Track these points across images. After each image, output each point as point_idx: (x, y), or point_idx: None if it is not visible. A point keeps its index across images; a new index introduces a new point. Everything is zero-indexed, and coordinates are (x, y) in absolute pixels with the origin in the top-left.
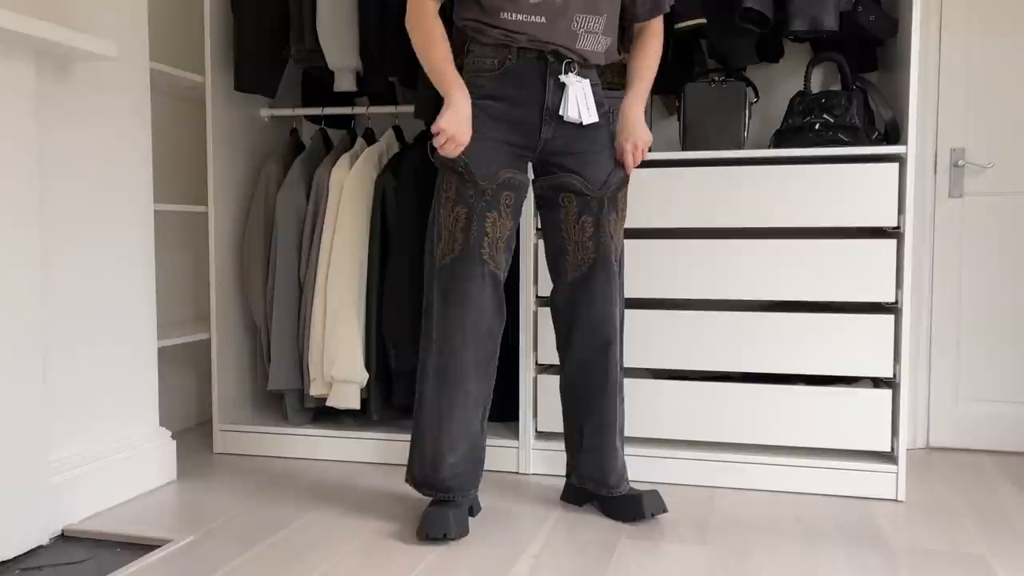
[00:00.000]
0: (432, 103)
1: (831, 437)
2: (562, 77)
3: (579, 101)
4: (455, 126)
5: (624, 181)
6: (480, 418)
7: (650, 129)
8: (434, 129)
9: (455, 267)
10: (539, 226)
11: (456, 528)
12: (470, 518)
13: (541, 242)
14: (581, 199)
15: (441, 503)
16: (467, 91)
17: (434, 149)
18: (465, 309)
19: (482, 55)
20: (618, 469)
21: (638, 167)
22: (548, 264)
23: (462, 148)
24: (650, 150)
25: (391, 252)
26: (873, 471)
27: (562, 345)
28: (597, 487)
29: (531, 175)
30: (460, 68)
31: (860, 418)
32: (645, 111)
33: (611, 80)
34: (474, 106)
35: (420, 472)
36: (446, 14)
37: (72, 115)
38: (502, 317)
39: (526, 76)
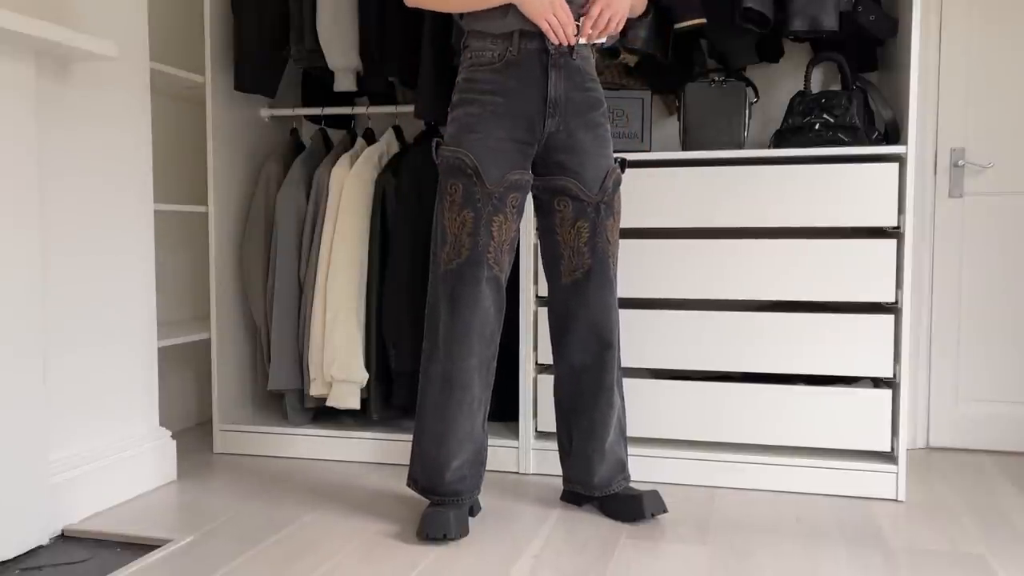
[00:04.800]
0: (432, 103)
1: (831, 437)
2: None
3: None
4: (552, 8)
5: (619, 183)
6: (482, 421)
7: (650, 129)
8: (551, 25)
9: (462, 272)
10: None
11: (456, 528)
12: (470, 518)
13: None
14: (577, 204)
15: (442, 504)
16: None
17: (439, 151)
18: (471, 315)
19: (481, 48)
20: (603, 471)
21: (633, 165)
22: (544, 267)
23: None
24: (649, 149)
25: (391, 252)
26: (873, 471)
27: (555, 349)
28: (586, 488)
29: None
30: (458, 65)
31: (860, 418)
32: (644, 109)
33: (611, 80)
34: (477, 104)
35: (424, 477)
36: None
37: (72, 115)
38: (502, 320)
39: (527, 68)
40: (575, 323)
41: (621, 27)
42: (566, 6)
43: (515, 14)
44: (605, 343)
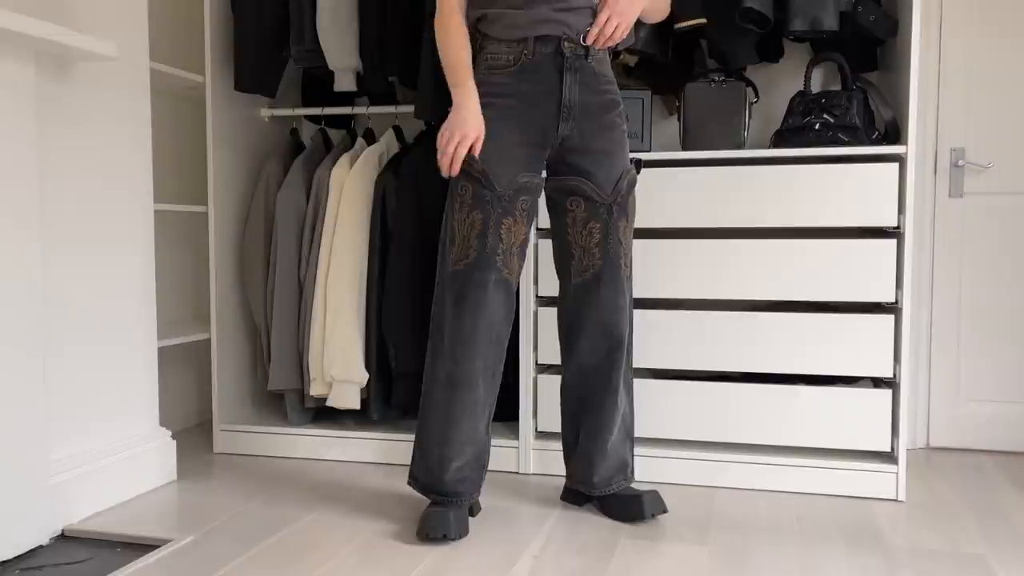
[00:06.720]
0: (432, 103)
1: (831, 437)
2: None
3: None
4: (459, 126)
5: (633, 184)
6: (486, 423)
7: (650, 129)
8: (440, 140)
9: (469, 273)
10: (539, 226)
11: (456, 529)
12: (470, 518)
13: (542, 242)
14: (591, 205)
15: (442, 504)
16: (474, 87)
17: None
18: (478, 316)
19: (497, 52)
20: (604, 470)
21: (645, 166)
22: (555, 267)
23: (470, 141)
24: (649, 149)
25: (391, 252)
26: (873, 471)
27: (564, 348)
28: (586, 487)
29: (544, 174)
30: (474, 68)
31: (860, 418)
32: (645, 109)
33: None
34: (490, 107)
35: (425, 476)
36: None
37: (72, 115)
38: (511, 323)
39: (543, 72)
40: (585, 323)
41: (628, 32)
42: (468, 145)
43: (532, 21)
44: (615, 342)
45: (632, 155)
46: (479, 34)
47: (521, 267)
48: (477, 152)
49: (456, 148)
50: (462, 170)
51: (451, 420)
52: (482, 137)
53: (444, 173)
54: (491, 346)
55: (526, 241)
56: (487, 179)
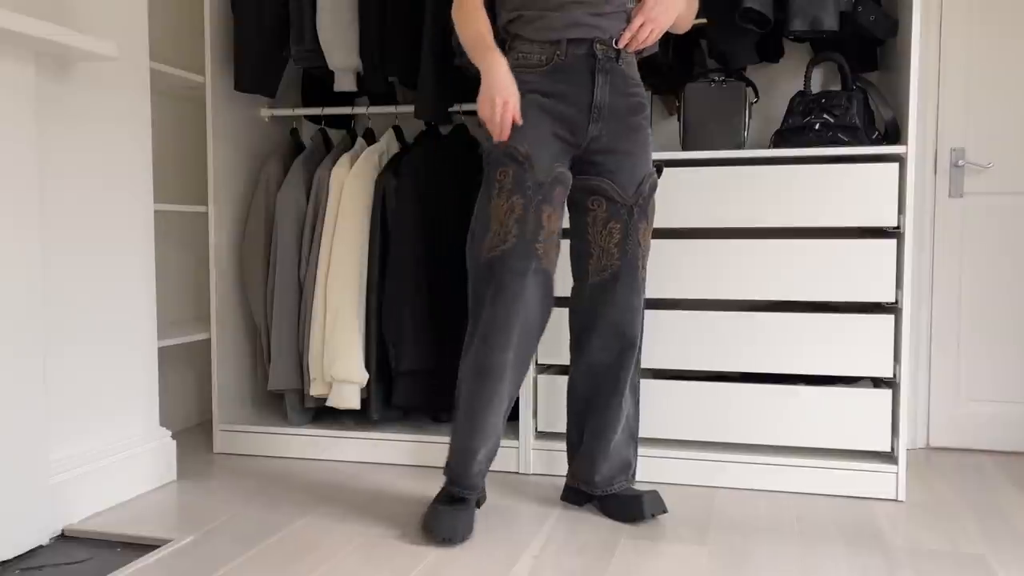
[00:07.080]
0: (433, 103)
1: (831, 437)
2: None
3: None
4: (497, 91)
5: (654, 187)
6: (504, 416)
7: (650, 129)
8: (481, 116)
9: (506, 261)
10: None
11: (462, 533)
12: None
13: None
14: (612, 205)
15: (450, 501)
16: (500, 54)
17: (487, 143)
18: (513, 306)
19: (528, 52)
20: (606, 470)
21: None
22: (572, 266)
23: (517, 108)
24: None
25: (391, 252)
26: (873, 471)
27: (575, 347)
28: (588, 486)
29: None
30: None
31: (860, 418)
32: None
33: None
34: (524, 98)
35: (453, 469)
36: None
37: (72, 115)
38: (547, 317)
39: (575, 73)
40: (598, 323)
41: (659, 36)
42: (513, 108)
43: (566, 24)
44: (628, 342)
45: (654, 157)
46: (509, 35)
47: (557, 259)
48: (518, 119)
49: (501, 114)
50: (503, 155)
51: (478, 410)
52: (519, 99)
53: (495, 140)
54: (524, 337)
55: (560, 233)
56: (529, 164)
